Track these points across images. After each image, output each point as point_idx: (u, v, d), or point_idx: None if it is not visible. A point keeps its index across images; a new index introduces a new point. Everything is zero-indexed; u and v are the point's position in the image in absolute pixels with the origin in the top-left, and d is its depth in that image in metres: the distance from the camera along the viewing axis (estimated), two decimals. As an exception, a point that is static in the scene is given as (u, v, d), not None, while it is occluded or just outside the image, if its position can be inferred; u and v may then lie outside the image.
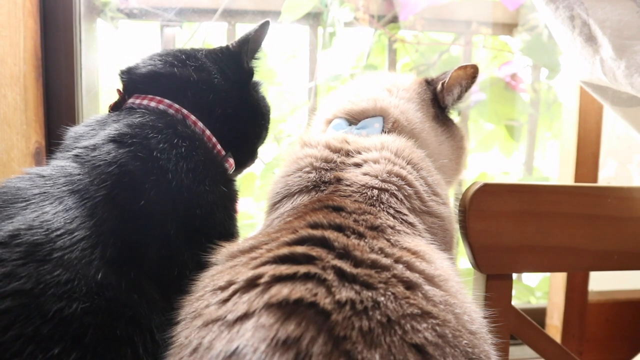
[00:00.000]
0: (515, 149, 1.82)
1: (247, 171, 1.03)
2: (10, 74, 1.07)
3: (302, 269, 0.52)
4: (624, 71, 0.80)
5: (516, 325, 0.87)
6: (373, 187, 0.69)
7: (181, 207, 0.71)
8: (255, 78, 0.94)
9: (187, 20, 1.49)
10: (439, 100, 0.89)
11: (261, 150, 1.00)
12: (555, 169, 1.71)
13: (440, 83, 0.88)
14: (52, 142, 1.16)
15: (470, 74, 0.86)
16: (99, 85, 1.34)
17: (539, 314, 1.44)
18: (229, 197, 0.81)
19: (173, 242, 0.68)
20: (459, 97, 0.88)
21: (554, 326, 1.39)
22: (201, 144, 0.79)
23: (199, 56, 0.87)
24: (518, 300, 1.69)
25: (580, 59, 0.88)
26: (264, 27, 0.91)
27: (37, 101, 1.14)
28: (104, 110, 1.35)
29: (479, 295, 0.83)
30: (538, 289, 1.73)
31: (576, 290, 1.36)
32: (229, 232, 0.78)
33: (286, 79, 1.67)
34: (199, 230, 0.72)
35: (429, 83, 0.90)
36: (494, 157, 1.84)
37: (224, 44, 0.94)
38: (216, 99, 0.84)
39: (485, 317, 0.60)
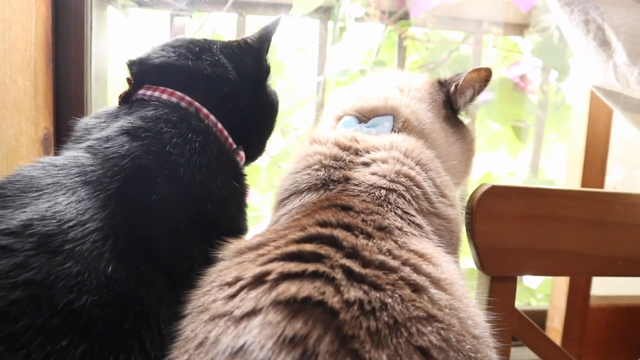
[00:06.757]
0: (521, 150, 1.81)
1: (252, 163, 1.02)
2: (21, 59, 1.06)
3: (310, 267, 0.52)
4: (637, 77, 0.80)
5: (518, 328, 0.88)
6: (381, 187, 0.69)
7: (192, 202, 0.71)
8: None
9: (198, 10, 1.48)
10: (452, 102, 0.88)
11: (269, 142, 0.98)
12: (561, 171, 1.71)
13: (454, 85, 0.87)
14: (60, 129, 1.16)
15: (483, 77, 0.85)
16: (108, 73, 1.33)
17: (539, 316, 1.44)
18: (241, 192, 0.81)
19: (183, 236, 0.68)
20: (471, 100, 0.88)
21: (555, 329, 1.39)
22: (214, 138, 0.79)
23: (214, 50, 0.86)
24: (518, 302, 1.68)
25: (593, 63, 0.87)
26: (279, 22, 0.90)
27: (47, 87, 1.14)
28: (112, 98, 1.35)
29: (482, 297, 0.83)
30: (539, 291, 1.73)
31: (578, 294, 1.36)
32: (239, 227, 0.78)
33: (295, 72, 1.67)
34: (209, 225, 0.72)
35: (442, 84, 0.90)
36: (499, 157, 1.83)
37: (235, 36, 0.93)
38: (229, 93, 0.83)
39: (488, 320, 0.60)
